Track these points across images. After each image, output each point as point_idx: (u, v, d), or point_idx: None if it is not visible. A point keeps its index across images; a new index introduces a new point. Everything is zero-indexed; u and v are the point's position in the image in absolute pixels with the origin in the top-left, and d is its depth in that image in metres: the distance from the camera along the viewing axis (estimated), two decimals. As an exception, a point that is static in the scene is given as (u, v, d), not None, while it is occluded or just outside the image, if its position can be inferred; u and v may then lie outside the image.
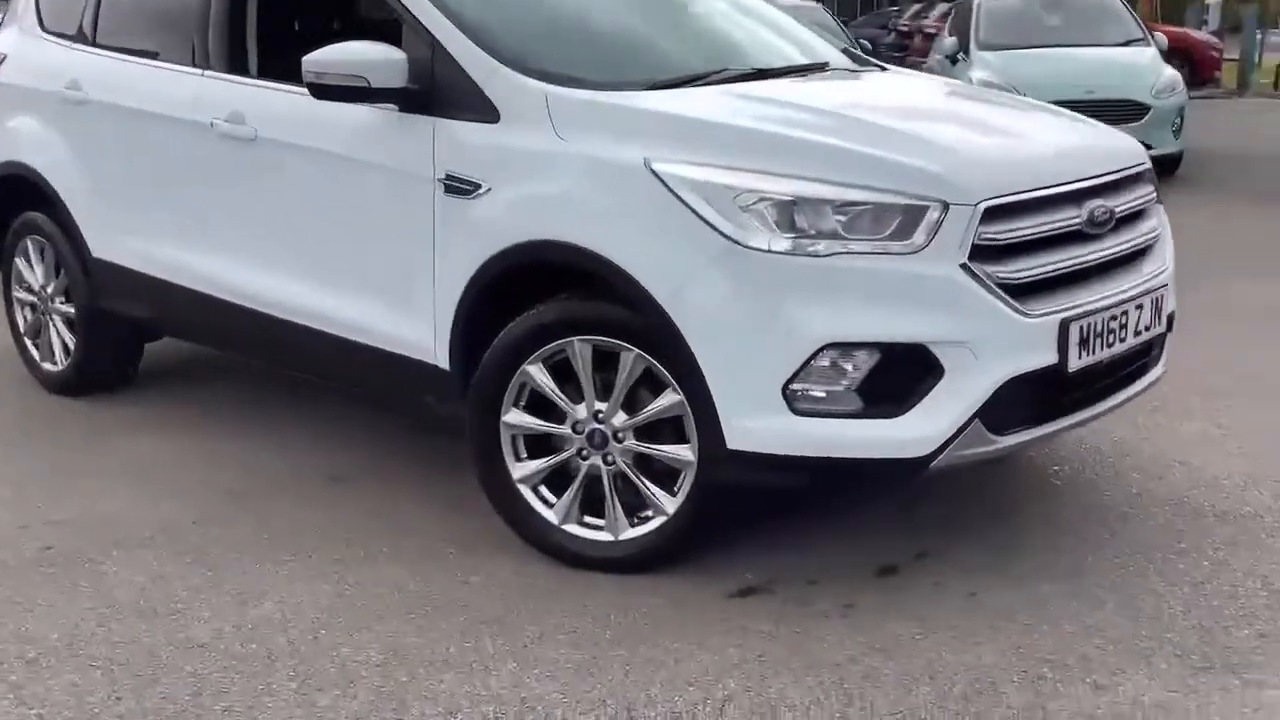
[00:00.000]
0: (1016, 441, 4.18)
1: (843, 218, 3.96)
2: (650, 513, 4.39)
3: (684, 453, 4.26)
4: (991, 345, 3.99)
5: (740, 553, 4.49)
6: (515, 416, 4.46)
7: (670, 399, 4.22)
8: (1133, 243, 4.50)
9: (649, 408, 4.26)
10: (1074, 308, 4.15)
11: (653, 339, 4.17)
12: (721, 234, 3.99)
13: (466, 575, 4.44)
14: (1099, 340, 4.22)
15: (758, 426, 4.02)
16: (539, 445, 4.52)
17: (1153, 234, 4.65)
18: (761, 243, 3.96)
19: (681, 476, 4.30)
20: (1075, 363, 4.15)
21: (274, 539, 4.75)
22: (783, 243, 3.95)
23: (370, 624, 4.11)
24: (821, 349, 3.92)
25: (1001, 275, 4.02)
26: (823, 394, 3.98)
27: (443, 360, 4.65)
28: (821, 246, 3.94)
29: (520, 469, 4.50)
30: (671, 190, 4.05)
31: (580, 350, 4.30)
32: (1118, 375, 4.50)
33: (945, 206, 3.95)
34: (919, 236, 3.94)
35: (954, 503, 4.91)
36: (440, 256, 4.57)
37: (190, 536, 4.77)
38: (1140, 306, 4.39)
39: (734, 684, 3.74)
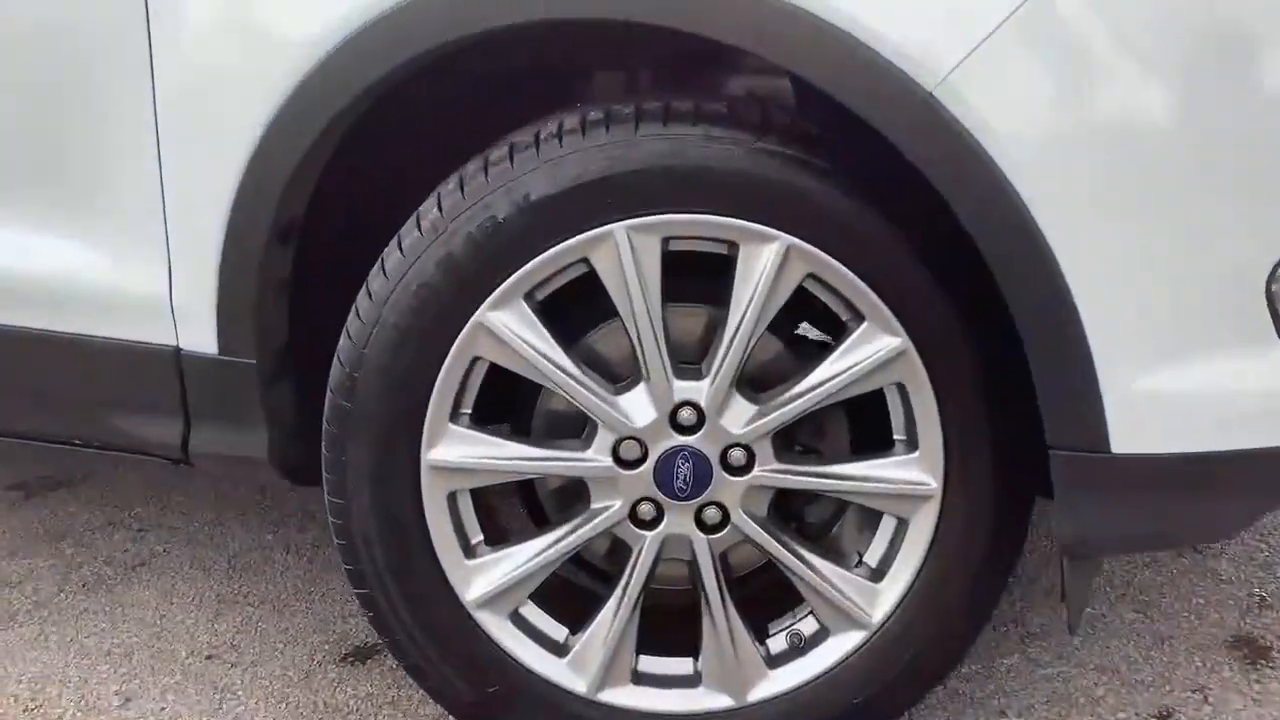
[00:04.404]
0: None
1: None
2: (809, 626, 1.84)
3: (920, 480, 1.73)
4: None
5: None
6: (459, 447, 1.75)
7: (879, 345, 1.68)
8: None
9: (841, 366, 1.70)
10: None
11: (851, 210, 1.63)
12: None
13: None
14: None
15: (1208, 389, 1.56)
16: (518, 510, 1.85)
17: None
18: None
19: (885, 544, 1.80)
20: None
21: None
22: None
23: None
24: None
25: None
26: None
27: (195, 337, 1.86)
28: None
29: (481, 574, 1.79)
30: None
31: (636, 252, 1.66)
32: None
33: None
34: None
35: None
36: (166, 86, 1.77)
37: None
38: None
39: None
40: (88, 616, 2.35)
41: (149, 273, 1.86)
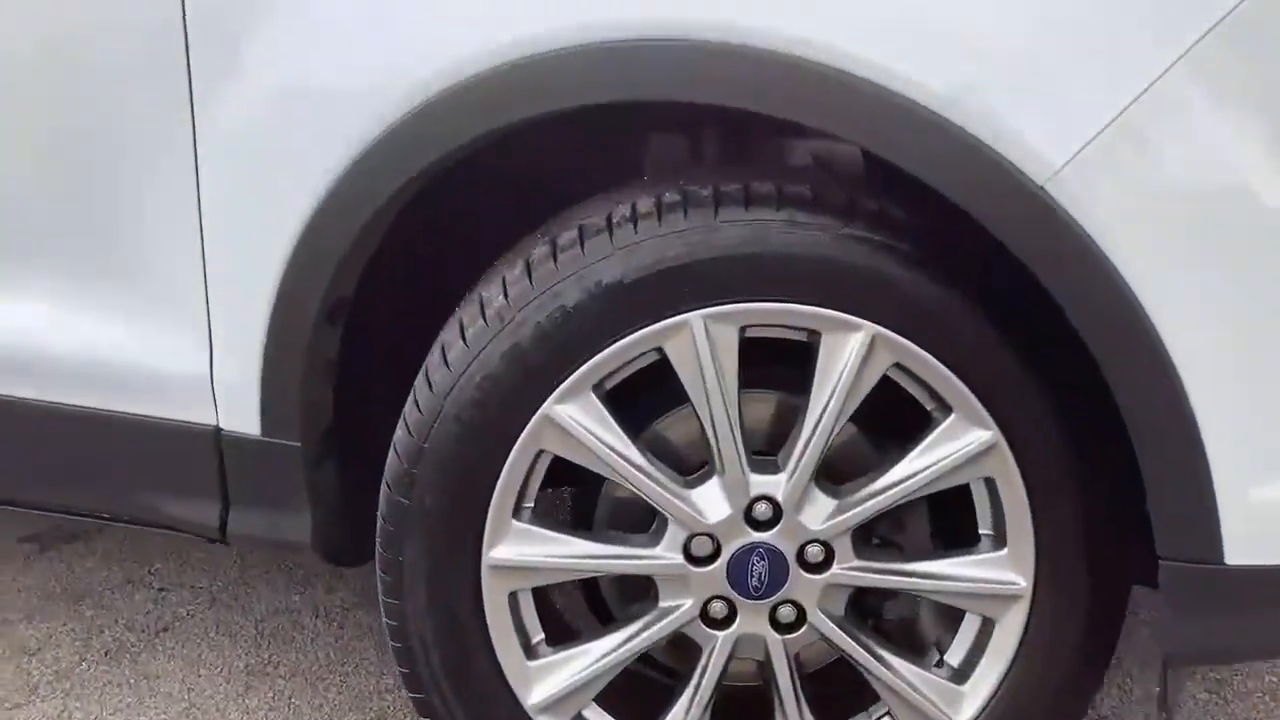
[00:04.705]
0: None
1: None
2: (886, 726, 1.75)
3: (1009, 579, 1.64)
4: None
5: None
6: (523, 545, 1.65)
7: (968, 439, 1.58)
8: None
9: (928, 461, 1.61)
10: None
11: (940, 298, 1.55)
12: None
13: None
14: None
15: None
16: (579, 604, 1.76)
17: None
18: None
19: (969, 644, 1.71)
20: None
21: None
22: None
23: None
24: None
25: None
26: None
27: (237, 418, 1.78)
28: None
29: (543, 676, 1.70)
30: None
31: (712, 342, 1.57)
32: None
33: None
34: None
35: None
36: (209, 158, 1.67)
37: None
38: None
39: None
40: (111, 690, 2.25)
41: (188, 351, 1.77)
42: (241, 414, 1.77)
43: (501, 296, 1.57)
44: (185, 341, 1.76)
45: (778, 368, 1.66)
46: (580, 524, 1.76)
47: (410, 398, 1.63)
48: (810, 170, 1.64)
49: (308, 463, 1.78)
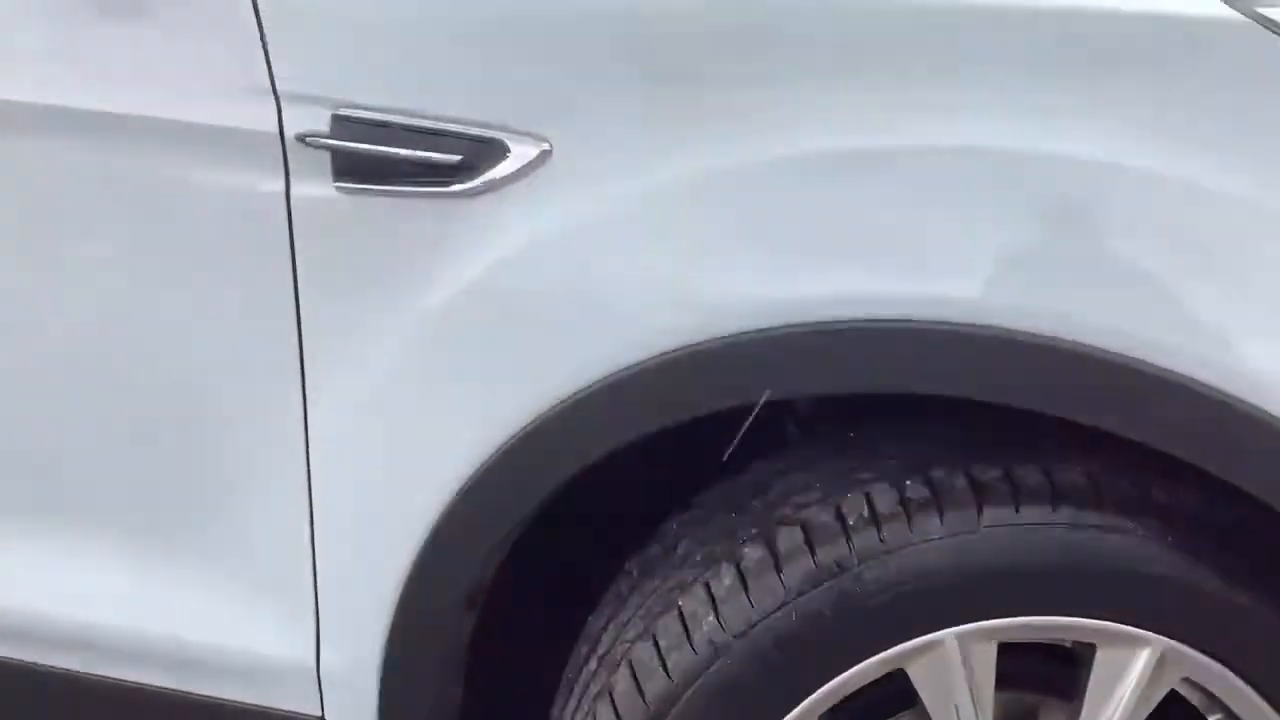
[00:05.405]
0: None
1: None
2: None
3: None
4: None
5: None
6: None
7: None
8: None
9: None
10: None
11: (1244, 607, 1.27)
12: None
13: None
14: None
15: None
16: None
17: None
18: None
19: None
20: None
21: None
22: None
23: None
24: None
25: None
26: None
27: (348, 711, 1.47)
28: None
29: None
30: None
31: (968, 661, 1.27)
32: None
33: None
34: None
35: None
36: (328, 418, 1.35)
37: None
38: None
39: None
40: None
41: (288, 636, 1.47)
42: (354, 710, 1.48)
43: (711, 615, 1.27)
44: (285, 625, 1.46)
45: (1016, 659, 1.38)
46: None
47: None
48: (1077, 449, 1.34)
49: (437, 763, 1.48)
